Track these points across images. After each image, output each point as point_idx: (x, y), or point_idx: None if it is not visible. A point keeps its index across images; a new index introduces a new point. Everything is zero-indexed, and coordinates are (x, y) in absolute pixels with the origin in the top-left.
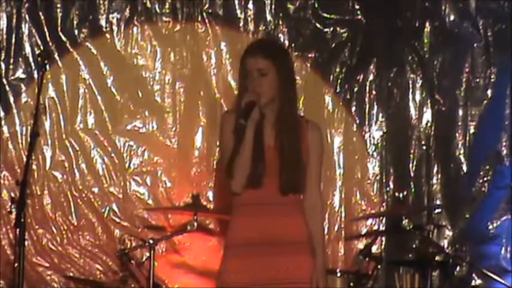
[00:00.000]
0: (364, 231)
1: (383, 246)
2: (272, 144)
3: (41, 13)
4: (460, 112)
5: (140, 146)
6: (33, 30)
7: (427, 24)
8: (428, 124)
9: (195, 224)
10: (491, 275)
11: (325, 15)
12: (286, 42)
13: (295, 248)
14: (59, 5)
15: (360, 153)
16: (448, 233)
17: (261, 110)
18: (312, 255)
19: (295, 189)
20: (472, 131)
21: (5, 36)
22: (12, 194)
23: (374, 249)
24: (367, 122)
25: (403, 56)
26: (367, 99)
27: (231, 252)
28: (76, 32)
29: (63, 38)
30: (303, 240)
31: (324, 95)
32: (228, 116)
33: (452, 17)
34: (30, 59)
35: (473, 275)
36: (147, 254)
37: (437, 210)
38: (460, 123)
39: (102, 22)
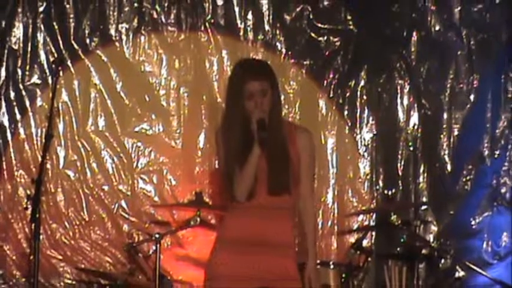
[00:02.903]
0: (355, 226)
1: (373, 241)
2: (261, 153)
3: (55, 23)
4: (445, 115)
5: (147, 146)
6: (48, 39)
7: (414, 33)
8: (415, 127)
9: (198, 219)
10: (474, 267)
11: (319, 25)
12: (283, 50)
13: (281, 251)
14: (71, 16)
15: (351, 154)
16: (434, 228)
17: None
18: (296, 258)
19: (282, 191)
20: (456, 133)
21: (21, 45)
22: (28, 192)
23: (365, 243)
24: (358, 125)
25: (391, 63)
26: (358, 104)
27: (221, 246)
28: (88, 40)
29: (76, 46)
30: (288, 244)
31: (318, 99)
32: (223, 132)
33: (437, 27)
34: (45, 66)
35: (457, 267)
36: (154, 248)
37: (423, 207)
38: (444, 126)
39: (112, 32)
